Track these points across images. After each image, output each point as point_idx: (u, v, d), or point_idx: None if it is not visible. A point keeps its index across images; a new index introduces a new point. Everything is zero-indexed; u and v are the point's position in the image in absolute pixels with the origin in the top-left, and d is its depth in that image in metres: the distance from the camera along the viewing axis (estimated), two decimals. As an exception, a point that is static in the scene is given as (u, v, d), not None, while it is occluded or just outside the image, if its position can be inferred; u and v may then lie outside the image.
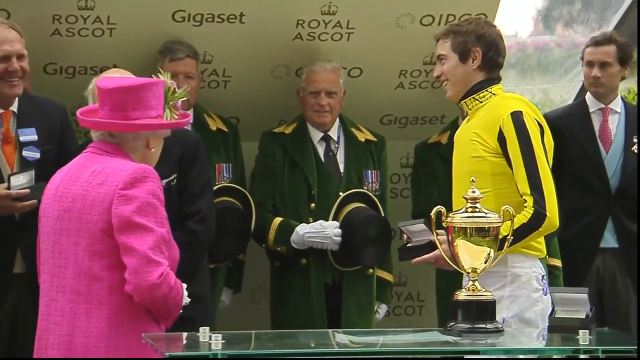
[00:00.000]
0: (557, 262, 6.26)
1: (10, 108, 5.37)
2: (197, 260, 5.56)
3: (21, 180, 5.20)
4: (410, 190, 6.51)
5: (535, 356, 4.72)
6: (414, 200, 6.38)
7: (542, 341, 4.50)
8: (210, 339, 3.94)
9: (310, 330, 5.50)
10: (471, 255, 4.32)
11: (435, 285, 6.18)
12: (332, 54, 6.23)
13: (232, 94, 6.28)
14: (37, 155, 5.36)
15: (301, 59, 6.23)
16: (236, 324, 5.87)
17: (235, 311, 6.05)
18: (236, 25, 6.11)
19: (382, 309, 6.37)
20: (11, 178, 5.20)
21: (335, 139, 6.27)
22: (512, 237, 4.43)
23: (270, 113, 6.33)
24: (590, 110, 6.63)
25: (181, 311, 4.44)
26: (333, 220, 6.10)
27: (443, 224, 4.37)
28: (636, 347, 4.20)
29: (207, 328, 4.06)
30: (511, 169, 4.76)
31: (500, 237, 4.34)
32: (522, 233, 4.67)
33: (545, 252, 4.97)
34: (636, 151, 6.57)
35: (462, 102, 4.93)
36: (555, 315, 4.31)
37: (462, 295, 4.35)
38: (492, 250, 4.33)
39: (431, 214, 4.36)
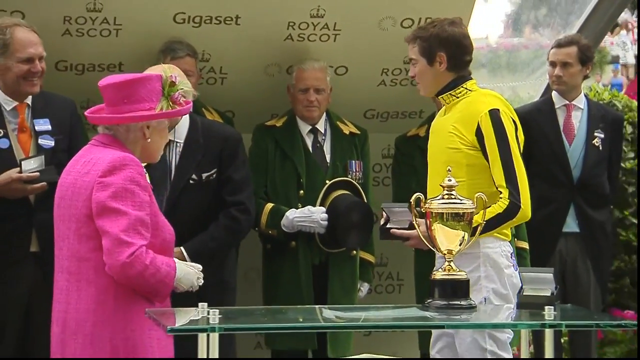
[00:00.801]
0: (525, 245, 6.27)
1: (25, 101, 5.37)
2: (234, 243, 5.69)
3: (32, 165, 5.19)
4: (391, 179, 6.52)
5: None
6: (394, 188, 6.40)
7: (512, 317, 4.51)
8: (208, 314, 3.94)
9: (299, 306, 5.51)
10: (447, 238, 4.33)
11: (414, 266, 6.19)
12: (320, 54, 6.22)
13: (228, 89, 6.28)
14: (52, 143, 5.34)
15: (292, 58, 6.23)
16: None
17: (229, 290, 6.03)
18: (232, 26, 6.10)
19: (364, 287, 6.37)
20: (23, 162, 5.19)
21: (322, 132, 6.27)
22: (484, 223, 4.45)
23: (263, 107, 6.33)
24: (556, 107, 6.64)
25: (191, 289, 4.42)
26: (320, 206, 6.10)
27: (422, 209, 4.39)
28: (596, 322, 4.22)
29: (206, 304, 4.05)
30: (487, 162, 4.76)
31: (474, 224, 4.37)
32: (497, 222, 4.71)
33: (511, 237, 4.99)
34: (597, 144, 6.59)
35: (439, 97, 4.93)
36: (524, 293, 4.33)
37: (438, 274, 4.37)
38: (466, 234, 4.34)
39: (411, 200, 4.39)
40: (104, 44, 5.96)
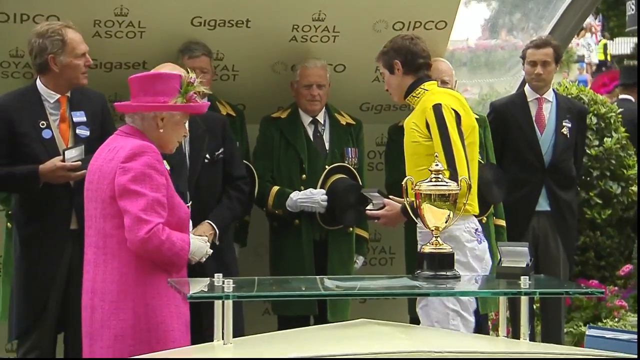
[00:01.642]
0: (503, 223, 6.28)
1: (65, 94, 5.38)
2: (244, 212, 5.82)
3: (73, 154, 5.18)
4: (384, 164, 6.51)
5: None
6: (387, 172, 6.39)
7: (491, 285, 4.52)
8: (223, 283, 3.95)
9: (302, 277, 5.52)
10: (434, 216, 4.34)
11: (404, 241, 6.19)
12: (321, 53, 6.20)
13: (239, 85, 6.26)
14: (87, 133, 5.34)
15: (295, 57, 6.21)
16: (243, 272, 5.87)
17: (242, 262, 6.04)
18: (243, 29, 6.08)
19: (360, 260, 6.37)
20: (65, 152, 5.19)
21: (322, 123, 6.25)
22: (465, 202, 4.54)
23: (270, 101, 6.31)
24: (528, 100, 6.63)
25: (201, 260, 4.45)
26: (320, 188, 6.09)
27: (412, 191, 4.39)
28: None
29: (221, 275, 4.06)
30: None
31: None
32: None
33: (478, 211, 5.16)
34: (565, 132, 6.59)
35: (406, 100, 5.17)
36: (502, 265, 4.33)
37: (427, 248, 4.37)
38: (451, 213, 4.35)
39: (402, 183, 4.42)
40: (129, 44, 5.94)
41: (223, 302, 3.82)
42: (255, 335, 4.08)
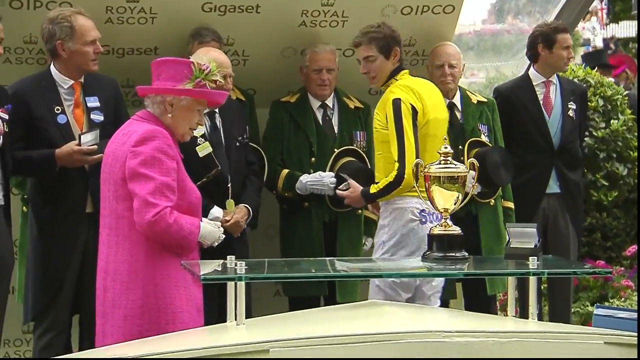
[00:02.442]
0: (511, 205, 6.28)
1: (79, 80, 5.38)
2: (260, 192, 5.88)
3: (89, 138, 5.20)
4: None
5: None
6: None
7: (500, 266, 4.53)
8: (235, 265, 3.96)
9: (312, 258, 5.53)
10: (443, 198, 4.34)
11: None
12: (330, 38, 6.19)
13: (249, 70, 6.26)
14: (102, 117, 5.36)
15: (305, 42, 6.20)
16: (254, 254, 5.88)
17: (254, 244, 6.05)
18: (253, 14, 6.07)
19: (368, 242, 6.37)
20: (81, 136, 5.20)
21: (331, 107, 6.25)
22: (382, 189, 5.17)
23: (280, 85, 6.31)
24: (534, 83, 6.61)
25: (213, 244, 4.46)
26: (329, 171, 6.09)
27: (421, 173, 4.40)
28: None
29: (233, 257, 4.08)
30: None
31: (374, 190, 5.22)
32: (388, 189, 5.27)
33: (419, 194, 5.26)
34: (571, 114, 6.58)
35: (383, 86, 5.39)
36: (510, 246, 4.34)
37: (436, 230, 4.38)
38: (460, 194, 4.35)
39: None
40: (141, 30, 5.94)
41: (236, 284, 3.84)
42: (267, 316, 4.10)
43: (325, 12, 6.15)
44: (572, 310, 6.87)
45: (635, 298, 7.13)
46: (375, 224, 6.44)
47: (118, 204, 4.31)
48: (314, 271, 4.60)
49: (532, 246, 4.25)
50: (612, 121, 7.53)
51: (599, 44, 20.08)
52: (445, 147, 4.35)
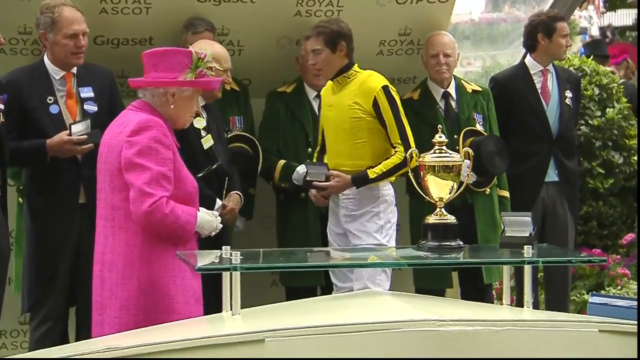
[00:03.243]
0: (506, 194, 6.28)
1: (71, 71, 5.37)
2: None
3: (80, 128, 5.19)
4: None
5: None
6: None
7: (495, 255, 4.52)
8: (231, 255, 3.95)
9: (308, 248, 5.52)
10: (438, 188, 4.33)
11: (409, 211, 6.19)
12: (325, 28, 6.18)
13: (244, 60, 6.24)
14: (95, 108, 5.35)
15: (300, 32, 6.16)
16: (250, 244, 5.87)
17: (249, 234, 6.05)
18: (248, 4, 6.05)
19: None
20: (72, 126, 5.19)
21: (327, 97, 6.24)
22: (386, 171, 5.36)
23: (275, 75, 6.29)
24: (532, 72, 6.60)
25: (210, 234, 4.46)
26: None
27: (416, 162, 4.39)
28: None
29: (229, 247, 4.06)
30: (384, 126, 5.40)
31: (373, 175, 5.36)
32: (395, 169, 5.43)
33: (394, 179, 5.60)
34: (568, 102, 6.58)
35: (334, 79, 5.51)
36: (505, 234, 4.33)
37: (431, 219, 4.37)
38: (454, 184, 4.34)
39: (406, 155, 4.45)
40: (136, 20, 5.92)
41: (231, 274, 3.83)
42: (262, 306, 4.09)
43: (320, 1, 6.13)
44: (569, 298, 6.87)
45: (631, 286, 7.14)
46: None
47: (114, 194, 4.30)
48: (310, 261, 4.60)
49: (527, 234, 4.24)
50: (607, 109, 7.53)
51: (595, 32, 20.07)
52: (440, 136, 4.34)
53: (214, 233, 4.51)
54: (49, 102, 5.29)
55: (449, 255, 4.30)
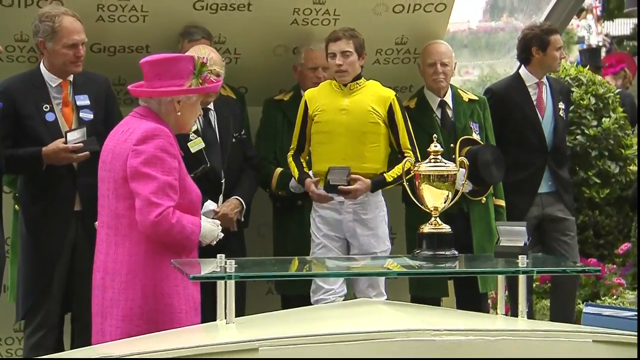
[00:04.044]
0: (502, 203, 6.28)
1: (67, 79, 5.38)
2: (257, 185, 5.95)
3: (76, 136, 5.19)
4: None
5: None
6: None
7: (489, 265, 4.53)
8: (225, 263, 3.95)
9: (304, 257, 5.52)
10: (433, 197, 4.33)
11: (405, 220, 6.20)
12: (322, 36, 6.14)
13: (241, 68, 6.25)
14: (91, 116, 5.35)
15: (297, 40, 6.20)
16: (247, 252, 5.87)
17: (246, 243, 6.04)
18: (245, 12, 6.07)
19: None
20: (67, 134, 5.19)
21: (324, 105, 6.24)
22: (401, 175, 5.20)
23: (272, 84, 6.30)
24: (527, 84, 6.61)
25: (212, 243, 4.45)
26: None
27: (411, 172, 4.39)
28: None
29: (223, 255, 4.06)
30: (395, 132, 5.66)
31: (390, 179, 5.60)
32: (406, 174, 5.39)
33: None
34: (562, 114, 6.59)
35: (349, 84, 5.71)
36: (500, 244, 4.33)
37: (426, 228, 4.37)
38: (450, 193, 4.34)
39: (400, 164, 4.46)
40: (132, 28, 5.93)
41: (225, 282, 3.83)
42: (257, 315, 4.09)
43: (317, 10, 6.15)
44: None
45: (627, 296, 7.14)
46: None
47: (118, 202, 4.27)
48: (306, 269, 4.59)
49: (522, 244, 4.25)
50: (603, 119, 7.53)
51: (594, 42, 20.09)
52: (435, 146, 4.34)
53: (214, 242, 4.49)
54: (45, 109, 5.29)
55: (444, 265, 4.30)
